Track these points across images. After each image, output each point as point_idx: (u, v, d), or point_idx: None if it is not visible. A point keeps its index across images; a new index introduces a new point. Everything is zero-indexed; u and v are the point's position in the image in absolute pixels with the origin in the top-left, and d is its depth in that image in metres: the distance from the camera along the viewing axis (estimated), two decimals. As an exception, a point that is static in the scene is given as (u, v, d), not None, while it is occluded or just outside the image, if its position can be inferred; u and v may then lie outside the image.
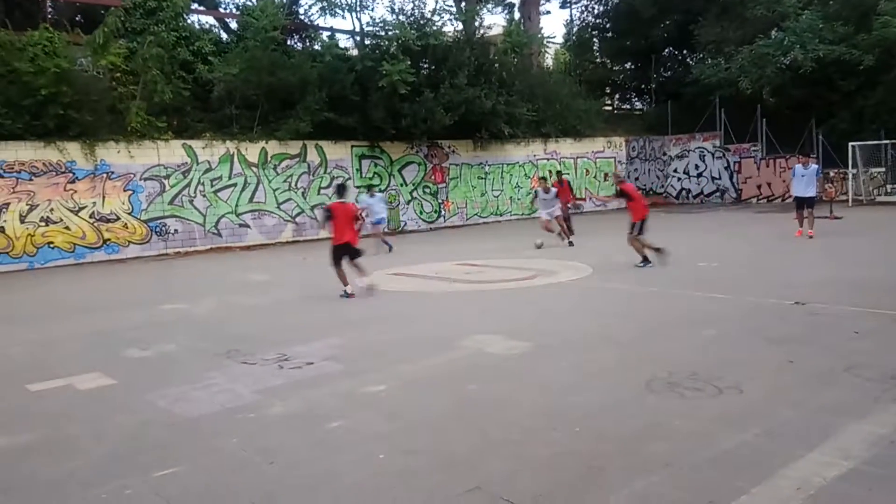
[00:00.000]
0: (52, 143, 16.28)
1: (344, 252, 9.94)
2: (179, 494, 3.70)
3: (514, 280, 10.78)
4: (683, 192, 28.79)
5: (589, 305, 8.80)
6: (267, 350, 6.83)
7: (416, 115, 20.14)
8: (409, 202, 22.57)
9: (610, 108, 34.48)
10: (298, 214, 20.39)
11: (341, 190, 10.54)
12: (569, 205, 16.25)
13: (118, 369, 6.42)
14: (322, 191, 20.69)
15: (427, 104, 19.96)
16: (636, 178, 27.89)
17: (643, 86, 33.82)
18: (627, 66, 34.70)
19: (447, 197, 23.40)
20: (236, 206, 19.23)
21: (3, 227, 15.79)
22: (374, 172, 21.85)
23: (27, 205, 16.08)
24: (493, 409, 4.92)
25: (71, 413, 5.26)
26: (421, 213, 22.81)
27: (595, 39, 35.48)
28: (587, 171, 27.11)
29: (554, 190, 15.40)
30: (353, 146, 21.33)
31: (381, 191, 20.06)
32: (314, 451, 4.26)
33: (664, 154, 29.23)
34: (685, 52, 31.94)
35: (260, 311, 9.31)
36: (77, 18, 20.35)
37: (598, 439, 4.22)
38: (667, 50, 33.03)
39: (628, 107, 35.83)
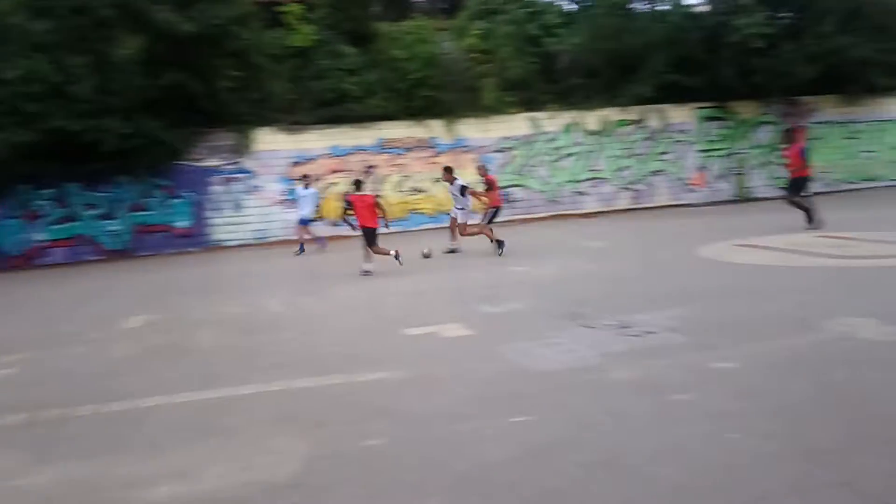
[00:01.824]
0: (420, 122, 18.53)
1: (365, 235, 11.07)
2: (530, 441, 4.00)
3: (893, 256, 9.24)
4: None
5: None
6: (607, 316, 6.93)
7: (771, 70, 18.24)
8: (759, 167, 20.69)
9: None
10: (636, 181, 20.11)
11: (358, 184, 11.65)
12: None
13: (475, 321, 7.13)
14: (662, 156, 20.08)
15: (785, 57, 17.92)
16: None
17: None
18: None
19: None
20: (575, 174, 19.71)
21: (382, 195, 18.58)
22: (720, 135, 20.46)
23: (401, 176, 18.63)
24: (862, 400, 4.33)
25: (437, 356, 6.01)
26: (773, 178, 20.70)
27: None
28: None
29: None
30: (697, 108, 20.24)
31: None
32: (658, 420, 4.24)
33: None
34: None
35: (599, 277, 9.46)
36: (442, 6, 22.55)
37: None
38: None
39: None
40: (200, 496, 3.64)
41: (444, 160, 18.72)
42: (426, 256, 12.25)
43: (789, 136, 14.34)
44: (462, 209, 13.10)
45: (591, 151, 19.76)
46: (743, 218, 13.60)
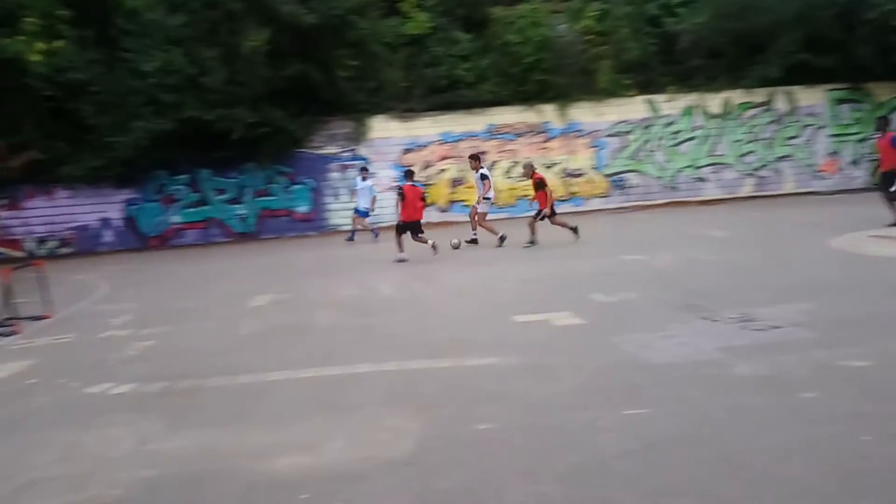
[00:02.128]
0: (532, 106, 18.35)
1: (411, 228, 11.63)
2: (647, 435, 3.89)
3: None
4: None
5: None
6: (728, 308, 6.62)
7: (917, 46, 16.71)
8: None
9: None
10: (760, 168, 19.04)
11: (410, 175, 12.59)
12: None
13: (587, 311, 7.02)
14: (789, 141, 18.89)
15: (931, 34, 16.37)
16: None
17: None
18: None
19: None
20: (695, 159, 18.91)
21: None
22: (854, 118, 18.98)
23: (510, 162, 18.54)
24: None
25: (549, 344, 5.96)
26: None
27: None
28: None
29: None
30: (828, 90, 18.87)
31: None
32: (785, 419, 4.01)
33: None
34: None
35: (719, 268, 9.04)
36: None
37: None
38: None
39: None
40: (321, 469, 3.80)
41: (556, 145, 18.50)
42: (455, 247, 12.50)
43: (882, 124, 12.72)
44: (486, 199, 13.18)
45: (712, 136, 18.88)
46: (878, 208, 12.56)
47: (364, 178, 15.77)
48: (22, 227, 18.10)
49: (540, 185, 12.48)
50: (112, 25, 16.13)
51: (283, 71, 16.33)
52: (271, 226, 18.21)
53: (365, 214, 15.70)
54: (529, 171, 12.81)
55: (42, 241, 18.09)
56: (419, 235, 11.80)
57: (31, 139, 17.64)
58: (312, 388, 5.27)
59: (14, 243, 18.11)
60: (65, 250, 18.12)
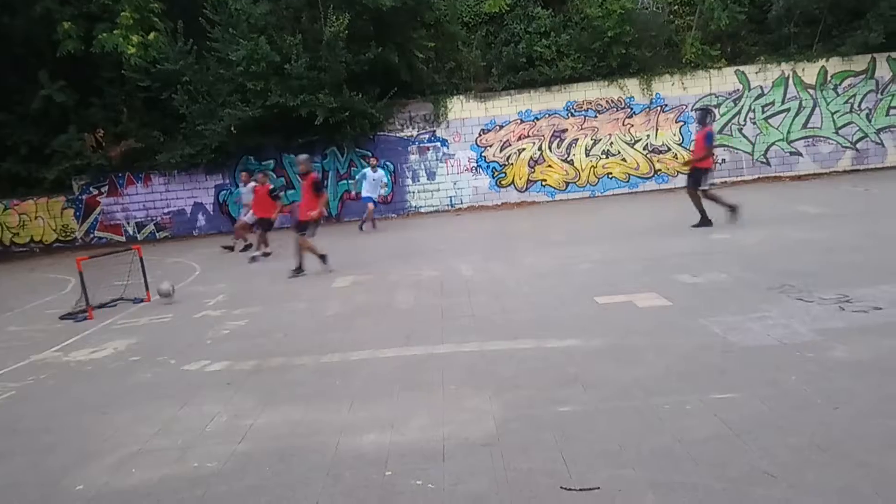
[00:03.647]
0: (614, 82, 17.87)
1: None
2: (737, 420, 3.76)
3: None
4: None
5: None
6: (825, 289, 6.30)
7: None
8: None
9: None
10: (860, 140, 17.92)
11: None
12: None
13: (672, 292, 6.82)
14: (892, 111, 17.66)
15: None
16: None
17: None
18: None
19: None
20: (788, 132, 17.99)
21: (571, 160, 18.24)
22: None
23: (591, 139, 18.16)
24: None
25: (633, 326, 5.83)
26: None
27: None
28: None
29: None
30: (937, 54, 17.50)
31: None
32: (887, 406, 3.79)
33: None
34: None
35: (814, 247, 8.59)
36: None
37: None
38: None
39: None
40: (404, 446, 3.88)
41: (639, 121, 17.99)
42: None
43: (703, 116, 11.11)
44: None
45: (806, 107, 17.87)
46: None
47: (374, 169, 15.77)
48: (122, 213, 19.19)
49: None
50: (200, 16, 16.74)
51: (363, 55, 16.53)
52: (353, 208, 18.57)
53: (373, 202, 15.80)
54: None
55: (140, 225, 19.13)
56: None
57: (129, 129, 18.66)
58: (395, 367, 5.37)
59: (115, 228, 19.23)
60: (161, 234, 19.10)
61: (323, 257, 10.19)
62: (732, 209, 10.83)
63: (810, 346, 4.83)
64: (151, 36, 16.97)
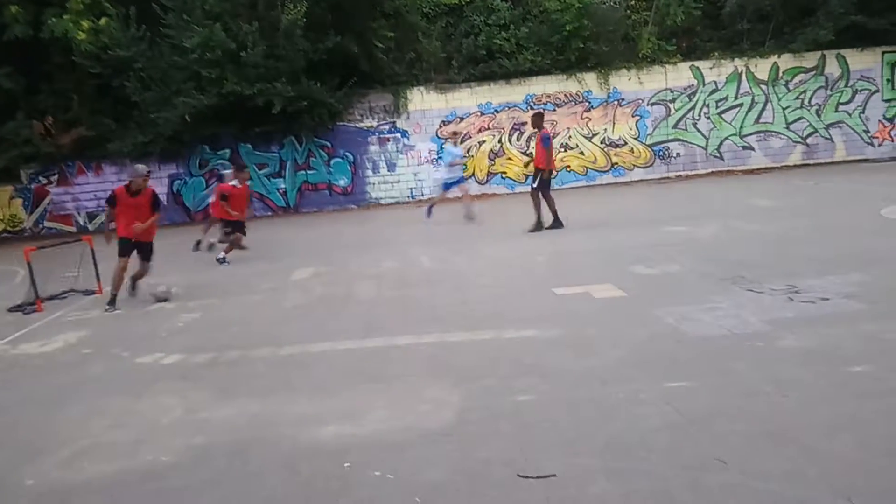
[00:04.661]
0: (572, 76, 18.02)
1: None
2: (689, 409, 3.85)
3: None
4: None
5: None
6: (774, 280, 6.48)
7: None
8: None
9: None
10: (810, 135, 18.44)
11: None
12: None
13: (628, 283, 6.94)
14: (840, 107, 18.22)
15: None
16: None
17: None
18: None
19: None
20: (741, 127, 18.41)
21: (531, 153, 18.33)
22: (915, 82, 18.19)
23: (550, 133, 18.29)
24: None
25: (589, 317, 5.92)
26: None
27: None
28: None
29: None
30: (884, 52, 18.08)
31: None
32: (833, 392, 3.93)
33: None
34: None
35: (765, 239, 8.83)
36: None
37: None
38: None
39: None
40: (364, 438, 3.87)
41: (597, 115, 18.19)
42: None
43: (537, 120, 11.32)
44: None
45: (759, 103, 18.32)
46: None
47: (455, 145, 14.33)
48: (72, 203, 18.64)
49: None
50: (153, 2, 16.31)
51: (321, 44, 16.34)
52: (311, 199, 18.38)
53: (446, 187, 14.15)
54: None
55: (91, 216, 18.60)
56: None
57: (80, 116, 18.08)
58: (354, 359, 5.35)
59: (65, 219, 18.68)
60: (112, 225, 18.59)
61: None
62: (539, 223, 10.94)
63: (760, 336, 4.97)
64: (103, 21, 16.45)
